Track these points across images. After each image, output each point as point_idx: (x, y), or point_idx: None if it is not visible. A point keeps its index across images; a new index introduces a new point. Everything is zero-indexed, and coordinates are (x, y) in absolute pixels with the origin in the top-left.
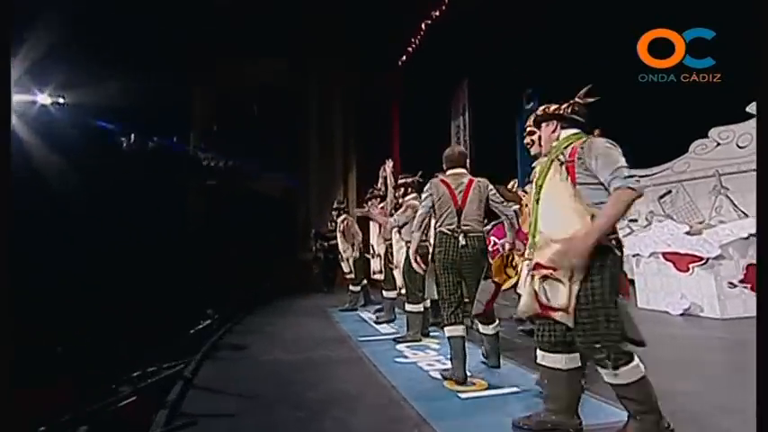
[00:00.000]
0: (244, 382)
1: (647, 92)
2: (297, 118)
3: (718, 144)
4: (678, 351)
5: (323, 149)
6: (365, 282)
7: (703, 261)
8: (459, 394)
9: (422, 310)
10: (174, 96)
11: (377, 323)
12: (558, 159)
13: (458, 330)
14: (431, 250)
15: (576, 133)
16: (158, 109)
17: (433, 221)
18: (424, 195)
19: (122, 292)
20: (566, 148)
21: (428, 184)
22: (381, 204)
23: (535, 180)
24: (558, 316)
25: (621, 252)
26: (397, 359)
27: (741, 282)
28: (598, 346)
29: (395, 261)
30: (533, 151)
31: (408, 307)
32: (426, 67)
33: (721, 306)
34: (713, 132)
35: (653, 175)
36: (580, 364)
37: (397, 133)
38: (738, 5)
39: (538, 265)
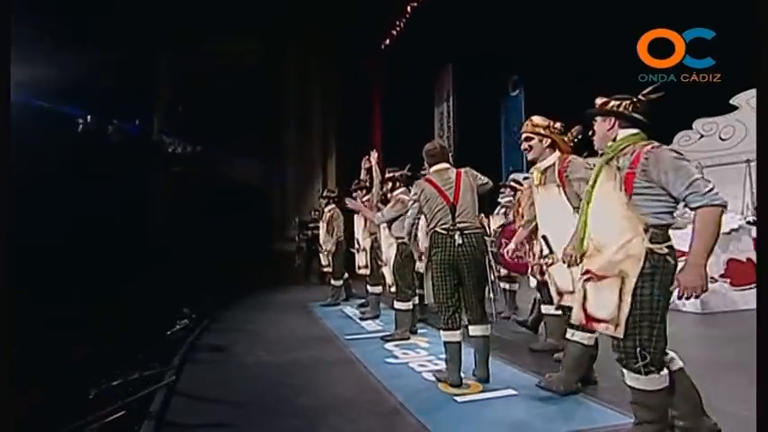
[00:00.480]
0: (231, 388)
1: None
2: (273, 102)
3: (702, 136)
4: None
5: (301, 135)
6: (347, 276)
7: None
8: (456, 397)
9: (411, 307)
10: (135, 75)
11: (362, 319)
12: (616, 165)
13: (455, 336)
14: (424, 252)
15: (636, 134)
16: (118, 88)
17: (422, 222)
18: (411, 200)
19: (82, 292)
20: (623, 150)
21: (414, 187)
22: (366, 196)
23: (589, 182)
24: (601, 328)
25: (675, 261)
26: (388, 360)
27: (722, 276)
28: (637, 350)
29: (384, 258)
30: (531, 156)
31: (397, 305)
32: (410, 51)
33: (702, 301)
34: (697, 124)
35: None
36: (681, 364)
37: (378, 119)
38: (738, 5)
39: (588, 272)
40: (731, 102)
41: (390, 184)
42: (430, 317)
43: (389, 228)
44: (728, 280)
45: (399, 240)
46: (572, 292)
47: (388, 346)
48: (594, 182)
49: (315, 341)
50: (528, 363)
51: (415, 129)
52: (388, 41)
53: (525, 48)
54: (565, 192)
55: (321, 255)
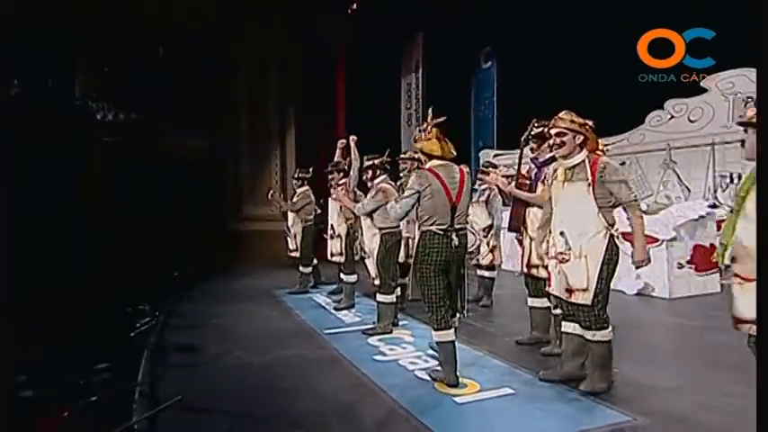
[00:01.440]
0: (218, 394)
1: (610, 63)
2: (224, 65)
3: (672, 117)
4: (647, 333)
5: (255, 103)
6: (315, 261)
7: (659, 243)
8: (455, 398)
9: (394, 300)
10: (50, 26)
11: (337, 309)
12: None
13: (449, 335)
14: (412, 250)
15: None
16: (28, 44)
17: (412, 215)
18: (410, 190)
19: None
20: None
21: (418, 177)
22: (343, 179)
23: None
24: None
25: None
26: (376, 357)
27: (688, 262)
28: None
29: (367, 249)
30: (561, 152)
31: (381, 297)
32: (378, 18)
33: (670, 286)
34: (669, 104)
35: (609, 145)
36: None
37: (342, 88)
38: (738, 5)
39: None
40: (702, 84)
41: (370, 173)
42: (409, 307)
43: (371, 218)
44: (694, 266)
45: (383, 231)
46: (585, 290)
47: (372, 341)
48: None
49: (293, 337)
50: (520, 361)
51: (381, 100)
52: (354, 6)
53: (499, 18)
54: (594, 191)
55: (288, 239)
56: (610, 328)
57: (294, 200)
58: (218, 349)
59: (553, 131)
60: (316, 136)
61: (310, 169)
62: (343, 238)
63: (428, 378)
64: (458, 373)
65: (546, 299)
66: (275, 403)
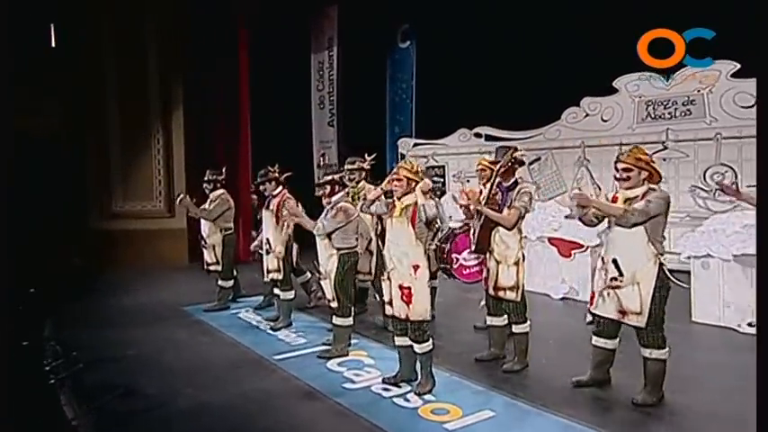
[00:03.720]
0: None
1: (529, 55)
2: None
3: (587, 114)
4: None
5: (127, 77)
6: (236, 273)
7: (583, 248)
8: (445, 425)
9: (351, 323)
10: None
11: (274, 330)
12: None
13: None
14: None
15: None
16: None
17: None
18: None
19: None
20: None
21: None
22: (278, 189)
23: None
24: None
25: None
26: (345, 385)
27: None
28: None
29: (323, 270)
30: (625, 186)
31: (337, 320)
32: None
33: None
34: (584, 102)
35: (526, 139)
36: None
37: (245, 65)
38: (738, 5)
39: None
40: (613, 84)
41: (328, 188)
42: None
43: (329, 238)
44: None
45: (341, 251)
46: (639, 313)
47: (332, 366)
48: None
49: (241, 367)
50: (491, 382)
51: (289, 79)
52: None
53: None
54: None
55: (205, 251)
56: (666, 349)
57: (209, 206)
58: (158, 389)
59: (620, 166)
60: (212, 119)
61: (223, 169)
62: (282, 253)
63: (408, 404)
64: (432, 395)
65: (505, 317)
66: None
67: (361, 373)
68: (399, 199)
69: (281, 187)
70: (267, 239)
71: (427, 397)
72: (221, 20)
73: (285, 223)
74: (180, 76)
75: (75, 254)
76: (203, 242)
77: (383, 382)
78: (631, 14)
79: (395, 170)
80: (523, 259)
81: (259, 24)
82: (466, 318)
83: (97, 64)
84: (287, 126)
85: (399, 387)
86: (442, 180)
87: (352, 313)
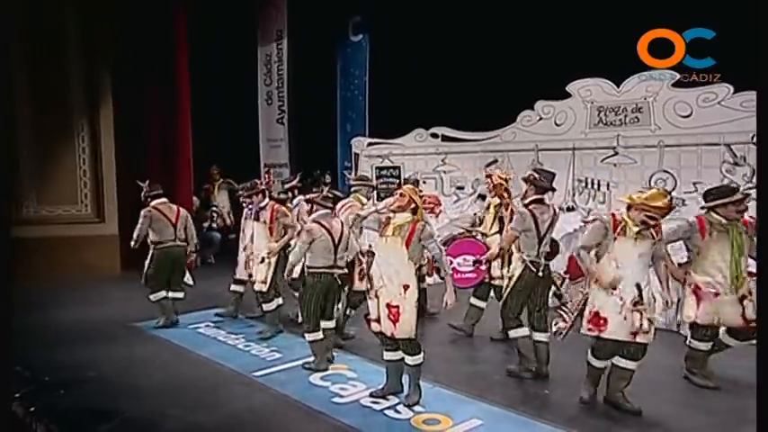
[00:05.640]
0: None
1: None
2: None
3: (541, 118)
4: None
5: (43, 70)
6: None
7: None
8: None
9: (321, 337)
10: None
11: (264, 339)
12: None
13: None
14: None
15: None
16: None
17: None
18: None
19: None
20: None
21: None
22: (264, 201)
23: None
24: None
25: None
26: (334, 400)
27: (565, 273)
28: None
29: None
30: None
31: (307, 337)
32: None
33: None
34: (538, 105)
35: (482, 140)
36: None
37: (184, 56)
38: (738, 5)
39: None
40: (567, 88)
41: (311, 206)
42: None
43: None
44: (569, 275)
45: (309, 270)
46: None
47: (316, 381)
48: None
49: (221, 385)
50: (474, 391)
51: (233, 72)
52: None
53: None
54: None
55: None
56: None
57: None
58: (140, 412)
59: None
60: (147, 116)
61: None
62: (272, 265)
63: (400, 416)
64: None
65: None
66: None
67: (346, 386)
68: (394, 214)
69: (268, 198)
70: (251, 249)
71: (417, 408)
72: (155, 6)
73: (281, 235)
74: (107, 69)
75: None
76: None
77: (371, 396)
78: (590, 16)
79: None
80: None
81: (199, 12)
82: (442, 328)
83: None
84: (232, 123)
85: (387, 399)
86: (397, 181)
87: (320, 328)
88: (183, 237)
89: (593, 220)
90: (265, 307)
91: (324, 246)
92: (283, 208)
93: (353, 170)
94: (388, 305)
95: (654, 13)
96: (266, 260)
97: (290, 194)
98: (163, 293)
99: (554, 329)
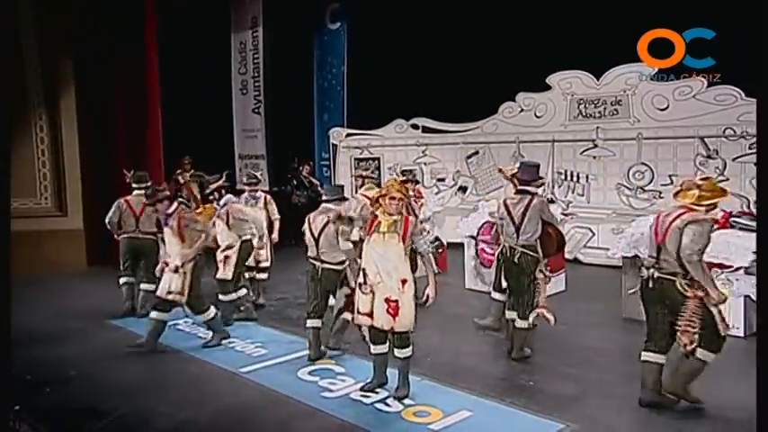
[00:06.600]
0: None
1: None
2: None
3: (522, 110)
4: None
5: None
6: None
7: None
8: (430, 426)
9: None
10: None
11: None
12: None
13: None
14: None
15: None
16: None
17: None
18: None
19: None
20: None
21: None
22: (172, 207)
23: None
24: None
25: None
26: (324, 394)
27: (546, 265)
28: None
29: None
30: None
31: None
32: None
33: None
34: (520, 97)
35: (464, 132)
36: None
37: (153, 43)
38: (738, 5)
39: None
40: (547, 81)
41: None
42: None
43: None
44: (549, 268)
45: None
46: None
47: (302, 375)
48: None
49: (207, 381)
50: (455, 380)
51: (204, 60)
52: None
53: None
54: None
55: None
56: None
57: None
58: (128, 410)
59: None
60: (113, 104)
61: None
62: (188, 274)
63: (391, 409)
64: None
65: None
66: None
67: (335, 381)
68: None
69: (175, 204)
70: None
71: (406, 401)
72: None
73: (194, 240)
74: (68, 56)
75: None
76: None
77: (362, 389)
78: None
79: (386, 189)
80: None
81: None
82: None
83: None
84: (205, 113)
85: (376, 393)
86: (378, 172)
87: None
88: (147, 230)
89: (702, 220)
90: (223, 298)
91: (308, 237)
92: (191, 214)
93: (331, 161)
94: (387, 300)
95: (654, 13)
96: (180, 270)
97: (215, 195)
98: (124, 279)
99: (681, 350)
